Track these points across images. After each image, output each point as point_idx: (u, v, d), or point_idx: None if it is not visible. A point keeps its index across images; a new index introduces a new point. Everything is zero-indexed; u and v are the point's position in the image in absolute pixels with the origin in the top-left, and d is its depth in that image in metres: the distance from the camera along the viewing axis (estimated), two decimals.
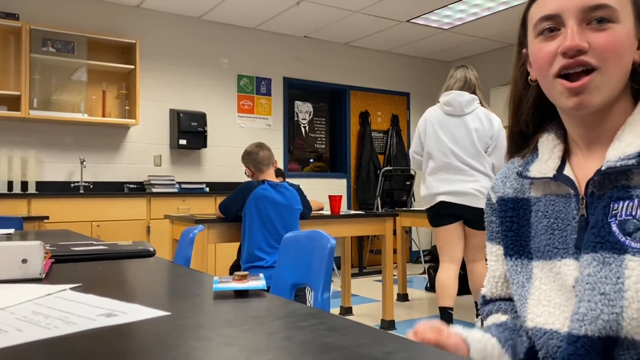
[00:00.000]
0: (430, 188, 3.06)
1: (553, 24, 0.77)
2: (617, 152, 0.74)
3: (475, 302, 3.29)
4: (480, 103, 3.05)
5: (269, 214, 2.74)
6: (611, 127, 0.78)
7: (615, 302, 0.69)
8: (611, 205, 0.74)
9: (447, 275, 3.04)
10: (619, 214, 0.72)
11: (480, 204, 2.91)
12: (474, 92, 3.04)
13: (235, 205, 2.81)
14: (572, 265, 0.77)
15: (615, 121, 0.78)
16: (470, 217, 3.02)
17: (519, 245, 0.85)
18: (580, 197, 0.77)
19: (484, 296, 0.94)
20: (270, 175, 2.89)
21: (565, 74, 0.76)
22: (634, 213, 0.71)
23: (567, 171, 0.81)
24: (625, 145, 0.73)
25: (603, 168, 0.74)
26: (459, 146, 3.01)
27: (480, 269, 3.09)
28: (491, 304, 0.93)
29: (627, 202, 0.72)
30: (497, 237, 0.91)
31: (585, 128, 0.81)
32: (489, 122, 3.00)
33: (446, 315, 3.04)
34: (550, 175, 0.81)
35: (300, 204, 2.88)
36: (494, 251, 0.92)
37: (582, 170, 0.81)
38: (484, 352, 0.79)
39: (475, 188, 2.96)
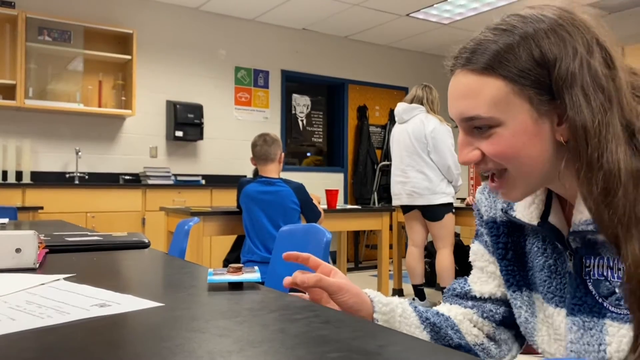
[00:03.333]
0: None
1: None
2: (579, 215, 0.70)
3: (442, 288, 3.79)
4: (429, 113, 3.56)
5: (256, 212, 2.75)
6: (574, 187, 0.70)
7: None
8: (584, 260, 0.71)
9: (410, 257, 3.75)
10: (592, 272, 0.70)
11: (418, 201, 3.51)
12: (421, 104, 3.56)
13: (238, 199, 2.91)
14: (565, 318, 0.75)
15: (574, 185, 0.70)
16: (420, 210, 3.60)
17: (519, 276, 0.81)
18: (567, 252, 0.73)
19: (468, 291, 0.89)
20: (268, 171, 2.81)
21: None
22: (605, 274, 0.69)
23: (553, 218, 0.75)
24: (583, 208, 0.68)
25: (571, 230, 0.71)
26: (401, 149, 3.57)
27: (440, 257, 3.61)
28: (467, 300, 0.89)
29: (597, 259, 0.70)
30: (489, 249, 0.87)
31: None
32: (423, 124, 3.48)
33: (417, 291, 3.77)
34: (535, 223, 0.76)
35: (296, 202, 2.75)
36: (490, 262, 0.87)
37: (569, 216, 0.75)
38: (390, 309, 0.79)
39: (410, 189, 3.53)
